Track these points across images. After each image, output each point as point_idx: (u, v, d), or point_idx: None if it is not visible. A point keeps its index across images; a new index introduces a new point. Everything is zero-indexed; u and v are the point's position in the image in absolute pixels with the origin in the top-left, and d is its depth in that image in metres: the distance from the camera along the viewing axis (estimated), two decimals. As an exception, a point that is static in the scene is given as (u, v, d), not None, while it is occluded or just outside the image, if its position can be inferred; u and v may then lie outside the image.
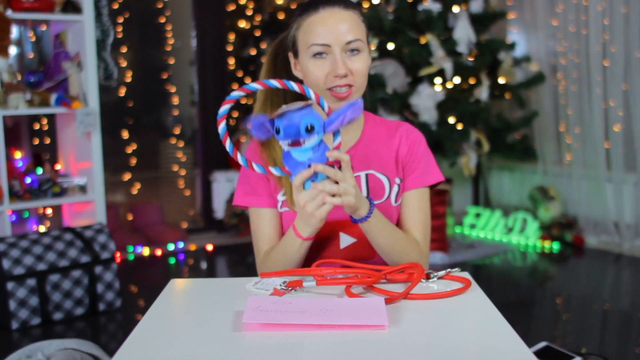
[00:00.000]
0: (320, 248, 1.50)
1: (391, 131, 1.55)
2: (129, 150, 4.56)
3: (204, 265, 4.06)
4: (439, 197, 3.89)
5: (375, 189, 1.50)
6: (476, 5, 4.03)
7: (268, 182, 1.52)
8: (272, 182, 1.51)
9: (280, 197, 1.51)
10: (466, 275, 1.34)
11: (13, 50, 3.72)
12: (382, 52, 3.99)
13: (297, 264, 1.44)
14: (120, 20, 4.45)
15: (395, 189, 1.51)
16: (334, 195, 1.28)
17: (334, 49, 1.41)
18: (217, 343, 1.03)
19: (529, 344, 2.14)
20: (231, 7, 4.87)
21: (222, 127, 1.22)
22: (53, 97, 3.25)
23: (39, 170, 3.46)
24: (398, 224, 1.54)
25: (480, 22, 4.04)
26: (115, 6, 4.39)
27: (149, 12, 4.66)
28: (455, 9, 3.93)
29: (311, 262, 1.47)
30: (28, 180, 3.32)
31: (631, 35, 3.89)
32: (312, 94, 1.22)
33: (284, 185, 1.48)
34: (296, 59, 1.48)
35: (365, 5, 4.13)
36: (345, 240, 1.49)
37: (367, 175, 1.50)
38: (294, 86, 1.22)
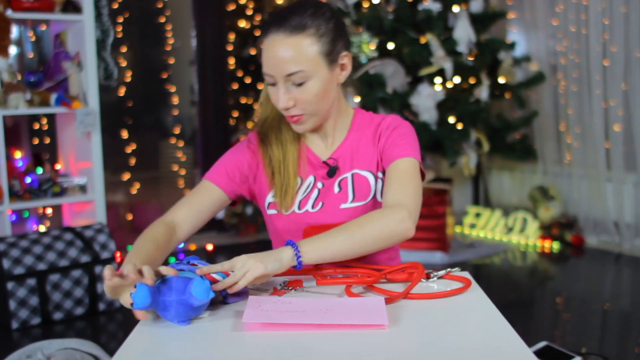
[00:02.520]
0: None
1: (376, 126, 1.53)
2: (129, 150, 4.56)
3: (204, 265, 4.05)
4: (439, 197, 3.89)
5: (361, 188, 1.49)
6: (476, 5, 4.03)
7: (243, 174, 1.51)
8: (263, 181, 1.51)
9: (269, 199, 1.50)
10: (466, 275, 1.34)
11: (13, 50, 3.72)
12: (382, 52, 3.99)
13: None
14: (120, 20, 4.45)
15: (379, 183, 1.50)
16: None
17: (278, 79, 1.37)
18: (217, 343, 1.03)
19: (529, 344, 2.14)
20: (231, 7, 4.87)
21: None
22: (53, 97, 3.25)
23: (39, 170, 3.46)
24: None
25: (480, 22, 4.04)
26: (115, 6, 4.39)
27: (149, 12, 4.66)
28: (455, 8, 3.93)
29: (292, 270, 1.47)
30: (28, 180, 3.32)
31: (631, 35, 3.89)
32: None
33: (275, 186, 1.48)
34: None
35: (365, 5, 4.13)
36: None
37: (353, 175, 1.50)
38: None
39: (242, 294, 1.22)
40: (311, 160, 1.52)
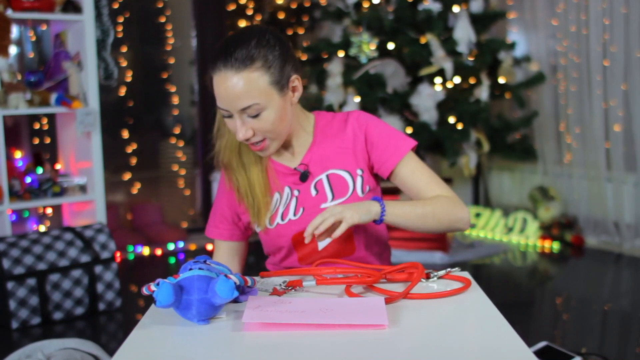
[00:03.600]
0: (300, 254, 1.53)
1: (341, 125, 1.55)
2: (129, 150, 4.56)
3: (204, 265, 4.05)
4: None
5: (339, 186, 1.51)
6: (476, 5, 4.03)
7: (233, 214, 1.57)
8: (243, 208, 1.54)
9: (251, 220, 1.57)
10: (466, 275, 1.34)
11: (13, 50, 3.72)
12: (382, 52, 3.99)
13: None
14: (120, 20, 4.45)
15: (358, 180, 1.51)
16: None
17: (233, 112, 1.38)
18: (217, 343, 1.03)
19: (529, 344, 2.14)
20: (231, 7, 4.87)
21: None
22: (53, 97, 3.25)
23: (39, 170, 3.46)
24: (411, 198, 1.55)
25: (480, 22, 4.04)
26: (115, 6, 4.39)
27: (149, 11, 4.66)
28: (456, 8, 3.93)
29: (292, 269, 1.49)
30: (28, 180, 3.32)
31: (631, 35, 3.89)
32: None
33: (248, 209, 1.52)
34: None
35: (366, 5, 4.13)
36: (322, 242, 1.51)
37: (327, 175, 1.51)
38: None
39: (253, 292, 1.23)
40: (282, 172, 1.53)
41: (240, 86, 1.35)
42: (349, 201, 1.49)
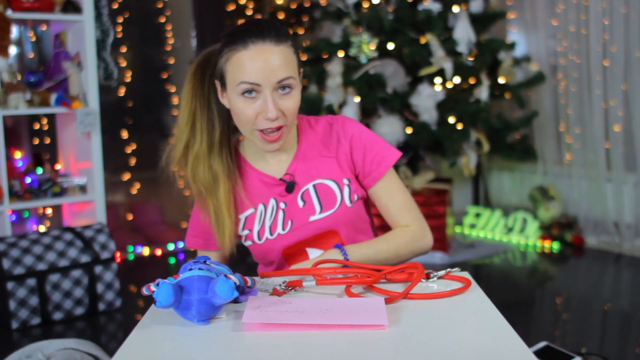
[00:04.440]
0: (290, 266, 1.52)
1: (326, 132, 1.52)
2: (129, 150, 4.56)
3: (204, 265, 4.05)
4: (439, 197, 3.89)
5: (326, 197, 1.48)
6: (476, 5, 4.03)
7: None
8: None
9: (240, 232, 1.53)
10: (466, 275, 1.34)
11: (13, 50, 3.72)
12: (382, 52, 3.99)
13: None
14: (120, 20, 4.45)
15: (346, 190, 1.49)
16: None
17: (264, 88, 1.34)
18: (217, 343, 1.03)
19: (529, 344, 2.14)
20: (231, 7, 4.87)
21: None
22: (53, 97, 3.25)
23: (39, 170, 3.46)
24: (382, 216, 1.54)
25: (480, 22, 4.04)
26: (115, 6, 4.39)
27: (149, 12, 4.66)
28: (455, 8, 3.93)
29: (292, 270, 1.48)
30: (28, 180, 3.32)
31: (631, 35, 3.89)
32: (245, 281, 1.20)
33: (213, 227, 1.48)
34: (224, 89, 1.42)
35: (365, 5, 4.13)
36: (313, 253, 1.51)
37: (314, 185, 1.49)
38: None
39: (253, 292, 1.23)
40: (266, 181, 1.50)
41: (280, 58, 1.33)
42: (338, 213, 1.47)
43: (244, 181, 1.51)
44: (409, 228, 1.50)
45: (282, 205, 1.49)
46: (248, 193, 1.50)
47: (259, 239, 1.50)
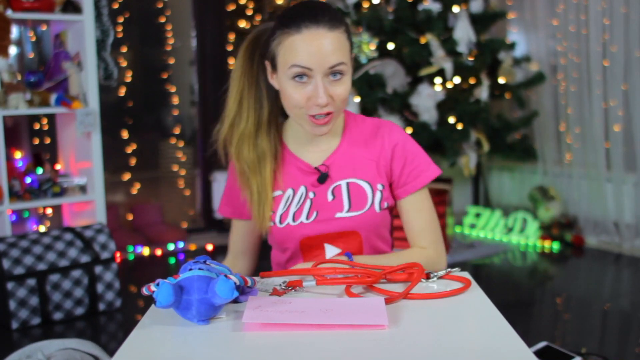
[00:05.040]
0: (306, 260, 1.51)
1: (372, 134, 1.51)
2: (129, 150, 4.56)
3: (204, 265, 4.05)
4: (439, 197, 3.89)
5: (357, 197, 1.47)
6: (476, 5, 4.03)
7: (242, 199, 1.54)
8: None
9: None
10: (466, 275, 1.34)
11: (13, 50, 3.72)
12: (382, 52, 3.99)
13: None
14: (120, 20, 4.45)
15: (377, 195, 1.48)
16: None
17: (316, 73, 1.34)
18: (217, 343, 1.03)
19: (529, 344, 2.14)
20: (231, 7, 4.87)
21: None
22: (53, 97, 3.25)
23: (39, 170, 3.46)
24: (405, 230, 1.54)
25: (480, 22, 4.04)
26: (115, 6, 4.39)
27: (149, 12, 4.66)
28: (455, 8, 3.93)
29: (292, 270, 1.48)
30: (28, 180, 3.32)
31: (631, 35, 3.89)
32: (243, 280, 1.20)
33: (252, 203, 1.49)
34: (274, 70, 1.42)
35: (365, 5, 4.13)
36: (331, 251, 1.50)
37: (348, 183, 1.48)
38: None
39: (253, 292, 1.23)
40: (301, 168, 1.50)
41: (333, 44, 1.33)
42: (365, 215, 1.46)
43: (281, 163, 1.52)
44: (425, 251, 1.49)
45: (310, 194, 1.48)
46: (281, 175, 1.50)
47: (280, 222, 1.49)
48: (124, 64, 4.50)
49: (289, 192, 1.49)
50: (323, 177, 1.48)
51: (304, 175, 1.50)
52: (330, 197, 1.48)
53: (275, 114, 1.51)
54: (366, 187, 1.48)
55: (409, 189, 1.49)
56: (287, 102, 1.40)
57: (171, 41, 4.72)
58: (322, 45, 1.33)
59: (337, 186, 1.48)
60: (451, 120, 3.82)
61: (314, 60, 1.33)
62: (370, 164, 1.49)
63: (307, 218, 1.48)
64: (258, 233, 1.61)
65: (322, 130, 1.40)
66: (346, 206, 1.47)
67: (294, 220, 1.48)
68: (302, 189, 1.49)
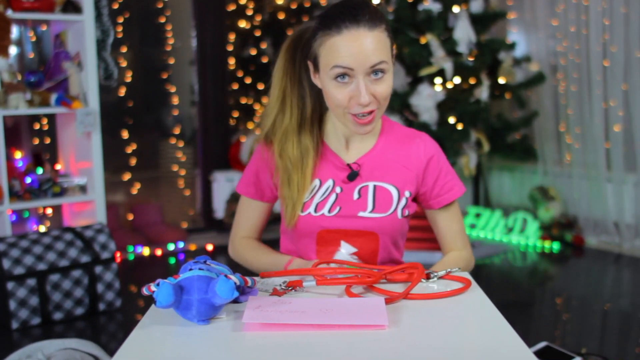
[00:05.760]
0: (321, 255, 1.51)
1: (407, 141, 1.53)
2: (129, 150, 4.56)
3: (204, 265, 4.05)
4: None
5: (382, 200, 1.48)
6: (476, 5, 4.03)
7: (271, 177, 1.55)
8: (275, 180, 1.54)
9: None
10: (466, 275, 1.34)
11: (13, 50, 3.72)
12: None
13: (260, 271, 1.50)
14: (120, 20, 4.45)
15: (403, 201, 1.50)
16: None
17: (358, 73, 1.35)
18: (217, 343, 1.03)
19: (529, 344, 2.14)
20: (231, 7, 4.87)
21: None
22: (53, 97, 3.25)
23: (39, 170, 3.46)
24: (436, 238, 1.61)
25: (480, 22, 4.04)
26: (115, 6, 4.39)
27: (149, 12, 4.66)
28: (455, 9, 3.93)
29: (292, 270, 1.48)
30: (28, 180, 3.32)
31: (631, 35, 3.89)
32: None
33: (291, 189, 1.50)
34: (316, 70, 1.44)
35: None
36: (346, 248, 1.50)
37: (375, 186, 1.49)
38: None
39: (253, 292, 1.23)
40: (333, 162, 1.51)
41: (374, 43, 1.34)
42: (387, 219, 1.48)
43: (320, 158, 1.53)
44: (462, 253, 1.57)
45: (337, 189, 1.49)
46: (315, 168, 1.52)
47: (302, 210, 1.49)
48: (124, 64, 4.50)
49: (316, 182, 1.50)
50: (353, 175, 1.49)
51: (336, 170, 1.51)
52: (356, 196, 1.49)
53: (319, 112, 1.54)
54: (393, 191, 1.49)
55: (442, 201, 1.54)
56: (330, 102, 1.42)
57: (171, 41, 4.73)
58: (363, 46, 1.34)
59: (365, 187, 1.49)
60: (451, 120, 3.82)
61: (355, 60, 1.34)
62: (403, 170, 1.51)
63: (330, 211, 1.48)
64: (269, 214, 1.63)
65: (366, 129, 1.42)
66: (369, 207, 1.48)
67: (315, 211, 1.49)
68: (329, 182, 1.50)
